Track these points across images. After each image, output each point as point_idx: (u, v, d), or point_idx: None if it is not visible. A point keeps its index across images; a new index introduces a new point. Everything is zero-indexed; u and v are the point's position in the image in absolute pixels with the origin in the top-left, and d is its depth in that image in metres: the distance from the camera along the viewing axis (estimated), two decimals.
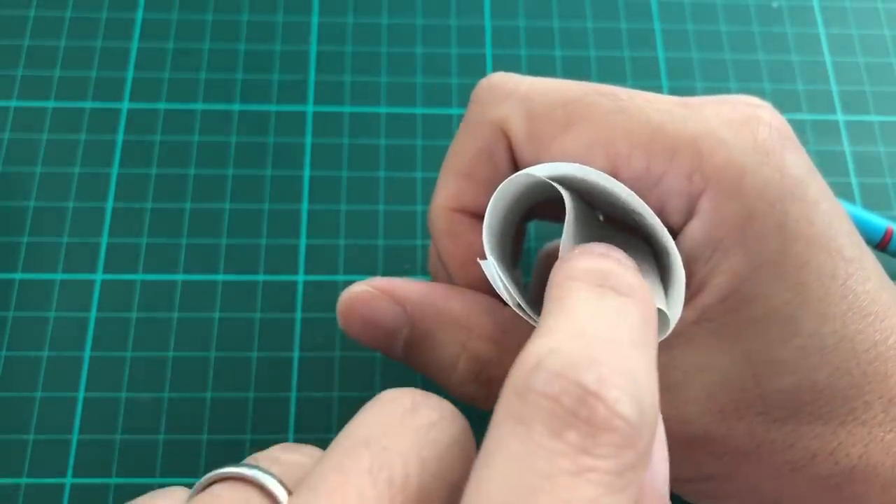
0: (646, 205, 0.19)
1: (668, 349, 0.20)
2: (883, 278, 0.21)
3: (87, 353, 0.28)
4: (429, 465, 0.14)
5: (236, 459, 0.26)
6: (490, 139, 0.22)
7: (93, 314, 0.29)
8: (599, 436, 0.13)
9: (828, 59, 0.35)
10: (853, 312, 0.20)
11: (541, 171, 0.20)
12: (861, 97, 0.34)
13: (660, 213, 0.20)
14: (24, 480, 0.26)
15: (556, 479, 0.12)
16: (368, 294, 0.23)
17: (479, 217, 0.21)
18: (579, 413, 0.13)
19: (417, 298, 0.22)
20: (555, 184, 0.20)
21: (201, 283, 0.30)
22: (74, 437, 0.27)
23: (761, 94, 0.34)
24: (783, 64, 0.35)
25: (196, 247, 0.30)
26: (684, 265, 0.19)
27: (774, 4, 0.36)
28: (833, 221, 0.20)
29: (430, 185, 0.32)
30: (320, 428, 0.27)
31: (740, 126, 0.20)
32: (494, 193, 0.20)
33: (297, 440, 0.27)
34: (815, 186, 0.20)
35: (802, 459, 0.20)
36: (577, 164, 0.20)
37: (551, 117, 0.21)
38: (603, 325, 0.15)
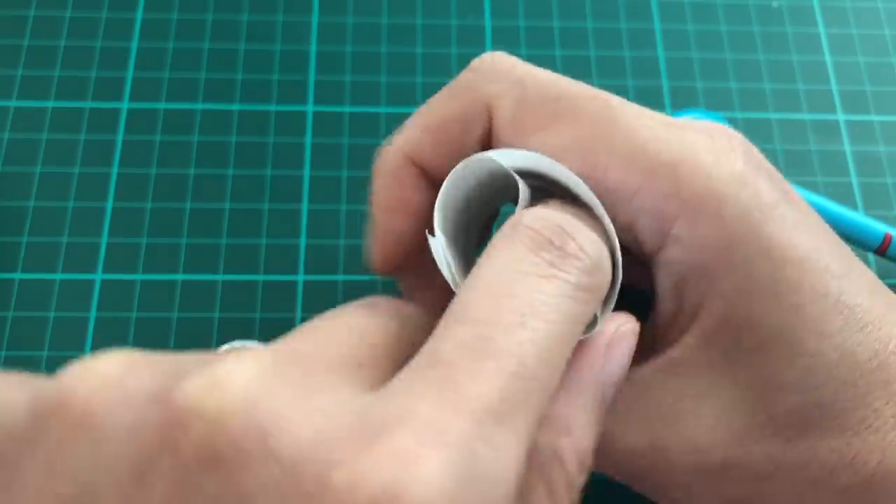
0: (604, 211, 0.20)
1: (675, 377, 0.20)
2: (874, 287, 0.21)
3: (87, 354, 0.28)
4: None
5: None
6: (472, 109, 0.22)
7: (92, 314, 0.29)
8: (567, 259, 0.17)
9: (828, 58, 0.35)
10: (850, 326, 0.20)
11: (504, 157, 0.20)
12: (861, 97, 0.34)
13: (627, 230, 0.21)
14: None
15: (531, 276, 0.16)
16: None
17: (428, 178, 0.22)
18: (554, 242, 0.17)
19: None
20: (513, 172, 0.20)
21: (201, 283, 0.30)
22: None
23: (761, 93, 0.34)
24: (783, 64, 0.35)
25: (196, 247, 0.30)
26: (672, 291, 0.21)
27: (774, 4, 0.36)
28: (817, 242, 0.21)
29: None
30: None
31: (719, 155, 0.21)
32: (453, 170, 0.20)
33: None
34: (793, 211, 0.21)
35: (821, 474, 0.20)
36: (545, 157, 0.20)
37: (540, 108, 0.21)
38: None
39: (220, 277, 0.30)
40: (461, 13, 0.35)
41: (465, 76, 0.22)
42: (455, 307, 0.16)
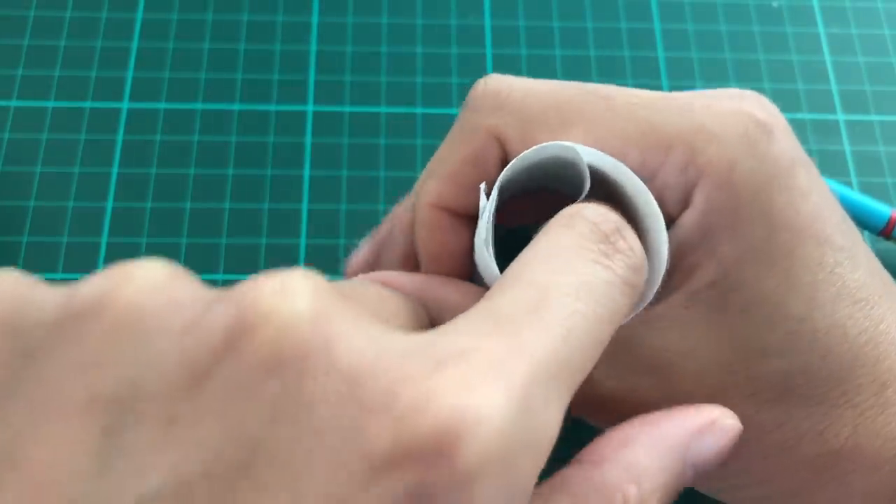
0: (647, 189, 0.20)
1: (660, 332, 0.21)
2: (874, 266, 0.21)
3: None
4: None
5: None
6: (484, 148, 0.22)
7: None
8: (618, 254, 0.18)
9: (828, 58, 0.35)
10: (842, 299, 0.20)
11: (580, 150, 0.21)
12: (861, 97, 0.34)
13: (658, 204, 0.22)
14: None
15: (587, 260, 0.17)
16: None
17: (460, 215, 0.23)
18: (610, 237, 0.18)
19: (413, 289, 0.22)
20: (585, 167, 0.20)
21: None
22: None
23: (761, 93, 0.34)
24: (783, 63, 0.35)
25: (196, 247, 0.30)
26: (676, 251, 0.21)
27: (774, 4, 0.36)
28: (822, 211, 0.21)
29: None
30: None
31: (728, 119, 0.21)
32: (525, 153, 0.21)
33: None
34: (803, 176, 0.21)
35: (791, 440, 0.20)
36: (609, 157, 0.21)
37: (545, 121, 0.22)
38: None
39: (220, 277, 0.30)
40: (461, 13, 0.35)
41: (467, 117, 0.23)
42: (511, 271, 0.17)
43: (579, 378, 0.16)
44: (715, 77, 0.34)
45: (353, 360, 0.13)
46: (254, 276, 0.14)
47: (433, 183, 0.23)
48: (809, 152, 0.33)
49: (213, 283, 0.30)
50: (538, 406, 0.14)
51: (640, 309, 0.20)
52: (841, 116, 0.34)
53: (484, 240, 0.20)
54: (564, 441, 0.18)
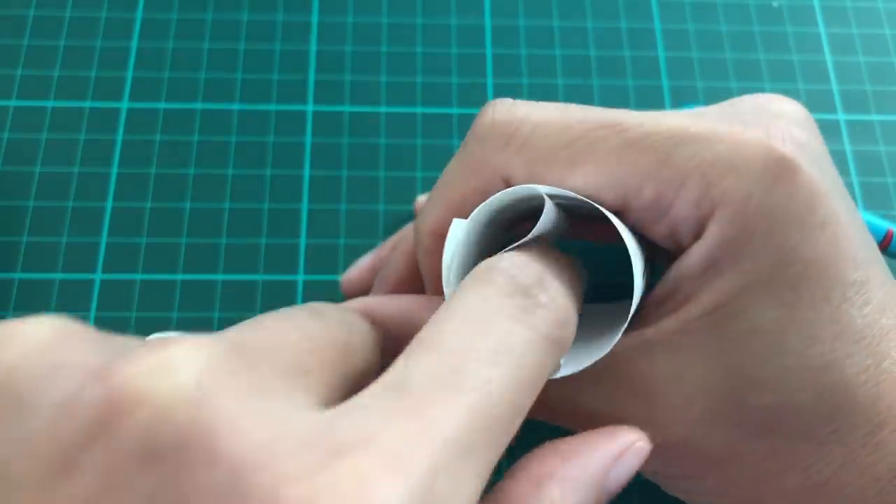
0: (619, 221, 0.20)
1: (649, 357, 0.20)
2: (889, 301, 0.21)
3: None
4: None
5: None
6: (489, 182, 0.22)
7: (92, 314, 0.29)
8: (540, 309, 0.17)
9: (828, 58, 0.35)
10: (845, 336, 0.20)
11: (541, 189, 0.20)
12: (862, 96, 0.34)
13: (671, 237, 0.21)
14: None
15: (504, 318, 0.16)
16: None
17: None
18: (530, 291, 0.17)
19: (399, 315, 0.21)
20: (545, 195, 0.20)
21: (201, 283, 0.30)
22: None
23: (761, 93, 0.34)
24: (784, 63, 0.35)
25: (196, 247, 0.30)
26: (677, 282, 0.21)
27: (775, 4, 0.36)
28: (839, 243, 0.20)
29: (429, 185, 0.32)
30: None
31: (750, 148, 0.20)
32: (489, 200, 0.20)
33: None
34: (827, 207, 0.20)
35: (774, 472, 0.20)
36: (568, 191, 0.20)
37: (554, 160, 0.21)
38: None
39: (219, 277, 0.30)
40: (461, 13, 0.35)
41: (472, 145, 0.22)
42: (426, 334, 0.16)
43: (503, 443, 0.15)
44: (715, 77, 0.34)
45: (237, 450, 0.12)
46: (143, 343, 0.13)
47: (435, 210, 0.23)
48: None
49: (213, 284, 0.30)
50: (445, 490, 0.13)
51: (614, 343, 0.19)
52: (842, 116, 0.34)
53: (447, 266, 0.20)
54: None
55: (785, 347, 0.20)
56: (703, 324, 0.20)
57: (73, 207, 0.31)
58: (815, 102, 0.34)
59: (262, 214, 0.31)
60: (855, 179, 0.33)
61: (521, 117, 0.21)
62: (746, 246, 0.20)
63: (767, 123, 0.21)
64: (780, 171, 0.20)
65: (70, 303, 0.29)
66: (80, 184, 0.31)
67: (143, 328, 0.29)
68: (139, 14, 0.34)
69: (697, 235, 0.21)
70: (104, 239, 0.30)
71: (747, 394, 0.20)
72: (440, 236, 0.22)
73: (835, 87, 0.34)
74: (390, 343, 0.20)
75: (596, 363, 0.19)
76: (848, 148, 0.33)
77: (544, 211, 0.20)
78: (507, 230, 0.24)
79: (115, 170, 0.31)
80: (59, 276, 0.30)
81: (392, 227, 0.31)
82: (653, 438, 0.20)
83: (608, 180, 0.20)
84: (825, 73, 0.35)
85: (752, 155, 0.20)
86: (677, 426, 0.20)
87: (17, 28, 0.34)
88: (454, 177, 0.23)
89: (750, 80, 0.34)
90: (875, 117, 0.34)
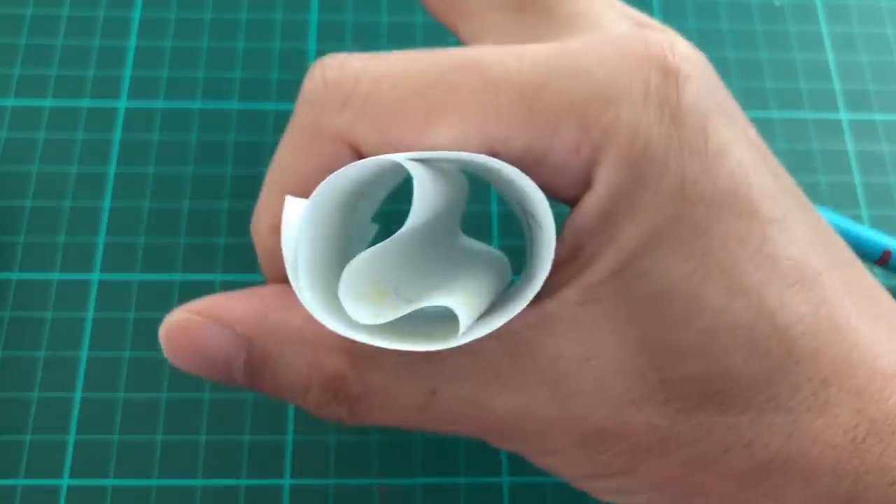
0: (522, 174, 0.17)
1: (552, 336, 0.17)
2: (818, 236, 0.18)
3: (84, 354, 0.28)
4: None
5: (234, 462, 0.26)
6: (331, 156, 0.19)
7: (90, 314, 0.29)
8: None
9: (830, 57, 0.35)
10: (772, 283, 0.17)
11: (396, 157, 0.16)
12: (864, 95, 0.34)
13: (552, 192, 0.18)
14: (20, 482, 0.26)
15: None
16: (190, 323, 0.19)
17: None
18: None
19: (250, 317, 0.19)
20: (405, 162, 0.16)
21: (200, 283, 0.29)
22: (71, 439, 0.27)
23: (763, 92, 0.34)
24: (785, 62, 0.35)
25: (194, 246, 0.30)
26: (575, 242, 0.18)
27: (777, 2, 0.36)
28: (746, 174, 0.17)
29: None
30: (321, 424, 0.27)
31: (630, 75, 0.17)
32: (332, 175, 0.16)
33: (298, 436, 0.27)
34: (723, 132, 0.17)
35: (713, 453, 0.17)
36: (443, 152, 0.17)
37: (407, 114, 0.18)
38: None
39: (218, 277, 0.30)
40: None
41: (303, 113, 0.19)
42: None
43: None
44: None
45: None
46: None
47: (270, 201, 0.20)
48: (812, 151, 0.33)
49: (211, 284, 0.29)
50: None
51: (508, 318, 0.16)
52: (844, 115, 0.34)
53: (291, 264, 0.16)
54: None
55: (703, 305, 0.17)
56: (609, 289, 0.17)
57: (71, 207, 0.31)
58: (818, 102, 0.34)
59: None
60: (858, 179, 0.32)
61: (357, 71, 0.18)
62: (639, 191, 0.17)
63: (645, 38, 0.18)
64: (665, 93, 0.17)
65: (67, 303, 0.29)
66: (78, 183, 0.31)
67: (141, 329, 0.29)
68: (137, 13, 0.34)
69: (587, 186, 0.18)
70: (102, 238, 0.30)
71: (670, 364, 0.17)
72: (277, 230, 0.19)
73: (837, 86, 0.34)
74: (248, 347, 0.19)
75: (490, 335, 0.16)
76: (850, 147, 0.33)
77: (414, 185, 0.16)
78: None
79: (112, 169, 0.31)
80: (56, 275, 0.29)
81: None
82: (569, 432, 0.17)
83: (472, 132, 0.17)
84: (827, 73, 0.35)
85: (632, 80, 0.17)
86: (595, 414, 0.17)
87: (14, 26, 0.34)
88: (286, 155, 0.19)
89: (751, 78, 0.34)
90: (878, 116, 0.34)
